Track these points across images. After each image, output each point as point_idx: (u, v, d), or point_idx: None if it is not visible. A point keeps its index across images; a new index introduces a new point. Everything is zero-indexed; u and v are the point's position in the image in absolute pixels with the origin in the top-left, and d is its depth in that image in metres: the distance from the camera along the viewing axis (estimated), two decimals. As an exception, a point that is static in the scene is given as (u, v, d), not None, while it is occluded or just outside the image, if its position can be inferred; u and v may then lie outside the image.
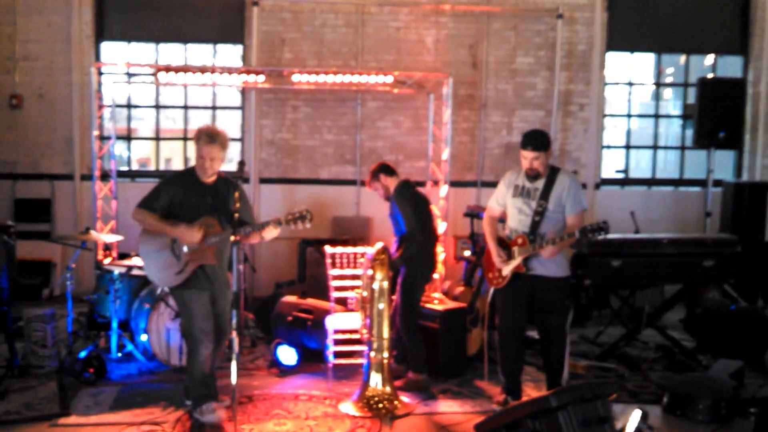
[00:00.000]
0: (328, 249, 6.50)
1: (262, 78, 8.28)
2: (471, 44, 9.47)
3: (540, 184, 5.41)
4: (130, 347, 6.55)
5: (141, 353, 6.53)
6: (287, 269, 9.16)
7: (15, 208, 9.32)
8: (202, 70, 8.12)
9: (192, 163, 5.47)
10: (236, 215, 4.92)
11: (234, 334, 4.65)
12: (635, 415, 4.86)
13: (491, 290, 5.73)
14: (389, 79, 8.40)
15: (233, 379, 4.65)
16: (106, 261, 7.68)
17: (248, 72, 8.31)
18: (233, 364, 4.64)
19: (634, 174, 10.58)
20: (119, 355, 6.57)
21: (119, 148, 10.09)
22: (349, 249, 6.55)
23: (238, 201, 5.00)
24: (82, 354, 6.16)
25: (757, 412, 4.79)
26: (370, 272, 5.75)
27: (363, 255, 6.05)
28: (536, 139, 5.39)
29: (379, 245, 5.85)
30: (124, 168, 10.01)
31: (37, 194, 9.35)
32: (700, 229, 9.41)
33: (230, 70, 8.28)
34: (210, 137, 5.09)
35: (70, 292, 6.39)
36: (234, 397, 4.70)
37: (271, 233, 5.07)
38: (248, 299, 8.37)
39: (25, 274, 8.95)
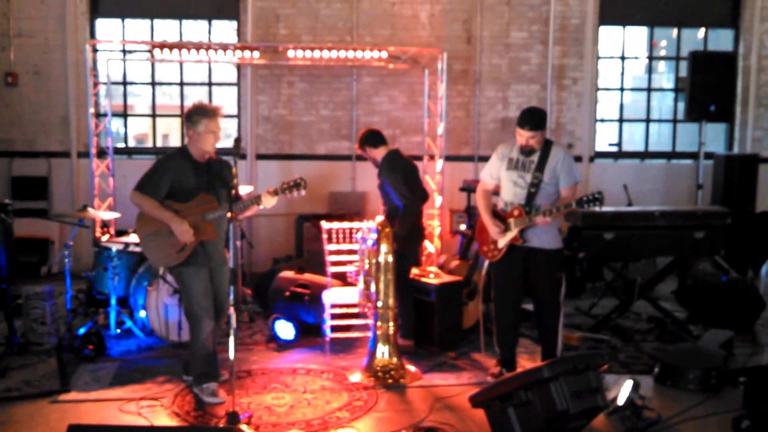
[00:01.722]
0: (325, 224, 6.56)
1: (257, 54, 8.29)
2: (465, 19, 9.47)
3: (535, 157, 5.45)
4: (128, 324, 6.61)
5: (140, 329, 6.60)
6: (285, 245, 9.24)
7: (12, 185, 9.36)
8: (197, 46, 8.12)
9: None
10: (234, 191, 4.98)
11: (231, 309, 4.71)
12: (627, 385, 4.97)
13: (486, 263, 5.81)
14: (384, 54, 8.41)
15: (231, 354, 4.71)
16: (104, 238, 7.72)
17: (243, 48, 8.31)
18: (231, 339, 4.70)
19: (627, 147, 10.64)
20: (118, 331, 6.63)
21: (116, 125, 10.12)
22: (346, 224, 6.61)
23: (235, 176, 5.07)
24: (81, 331, 6.22)
25: (746, 382, 4.88)
26: (369, 244, 5.85)
27: (359, 230, 6.12)
28: (533, 119, 5.40)
29: (379, 218, 5.92)
30: (121, 145, 10.02)
31: (33, 172, 9.38)
32: (692, 201, 9.50)
33: (225, 47, 8.28)
34: (216, 112, 5.19)
35: (68, 269, 6.43)
36: (232, 371, 4.77)
37: (269, 202, 5.13)
38: (246, 275, 8.44)
39: (22, 251, 8.96)
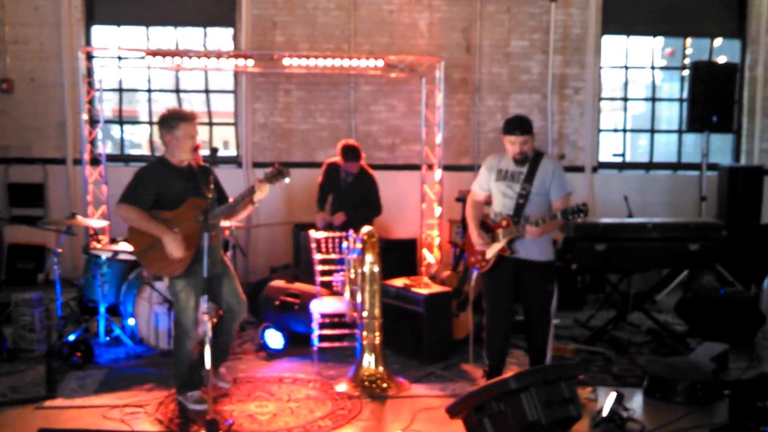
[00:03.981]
0: (313, 234, 6.53)
1: (251, 62, 8.27)
2: (464, 27, 9.40)
3: (524, 168, 5.40)
4: (117, 331, 6.60)
5: (129, 337, 6.57)
6: (283, 253, 9.17)
7: (8, 192, 9.31)
8: (190, 54, 8.11)
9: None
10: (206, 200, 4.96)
11: (206, 317, 4.64)
12: (611, 397, 4.92)
13: (474, 273, 5.76)
14: (380, 63, 8.37)
15: (207, 364, 4.65)
16: (99, 246, 7.70)
17: (237, 56, 8.29)
18: (206, 348, 4.62)
19: (635, 158, 10.53)
20: (107, 339, 6.62)
21: (117, 132, 10.15)
22: (335, 234, 6.57)
23: (212, 183, 4.99)
24: (71, 338, 6.21)
25: (730, 395, 4.79)
26: (355, 254, 5.80)
27: (346, 239, 6.08)
28: (521, 124, 5.36)
29: (366, 228, 5.88)
30: (117, 152, 10.04)
31: (30, 179, 9.31)
32: (696, 213, 9.36)
33: (219, 54, 8.25)
34: (193, 116, 5.16)
35: (58, 276, 6.43)
36: (208, 381, 4.69)
37: (261, 193, 5.03)
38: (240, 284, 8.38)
39: (19, 258, 9.02)
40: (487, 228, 5.51)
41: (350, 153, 7.41)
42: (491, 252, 5.44)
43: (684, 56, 10.15)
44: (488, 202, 5.69)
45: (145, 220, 5.04)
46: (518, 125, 5.35)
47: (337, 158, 7.56)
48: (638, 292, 7.16)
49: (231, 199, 5.28)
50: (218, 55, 8.24)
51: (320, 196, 7.87)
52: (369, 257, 5.74)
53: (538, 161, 5.40)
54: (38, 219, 9.18)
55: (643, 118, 10.75)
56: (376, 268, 5.75)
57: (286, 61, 8.25)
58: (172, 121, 5.10)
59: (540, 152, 5.48)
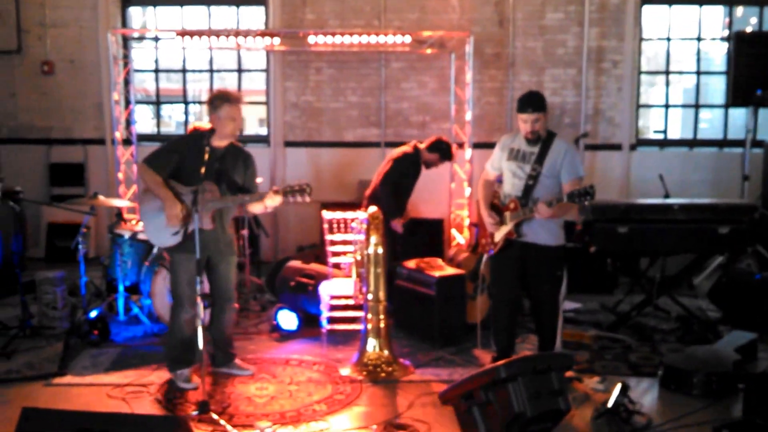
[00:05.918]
0: (326, 214, 6.45)
1: (278, 41, 8.21)
2: (497, 1, 9.12)
3: (536, 148, 5.23)
4: (135, 310, 6.67)
5: (146, 316, 6.64)
6: (312, 232, 9.16)
7: (50, 172, 9.59)
8: (217, 33, 8.10)
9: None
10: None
11: (199, 299, 4.64)
12: (617, 388, 4.72)
13: (484, 257, 5.63)
14: (408, 39, 8.20)
15: (200, 344, 4.67)
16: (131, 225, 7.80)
17: (263, 35, 8.23)
18: (199, 330, 4.66)
19: (686, 134, 10.05)
20: (126, 317, 6.70)
21: (150, 111, 10.25)
22: (349, 214, 6.47)
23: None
24: (92, 315, 6.30)
25: (745, 388, 4.52)
26: (363, 237, 5.72)
27: (355, 219, 5.99)
28: (533, 101, 5.21)
29: (372, 209, 5.78)
30: (153, 131, 10.17)
31: (71, 159, 9.56)
32: (739, 193, 8.93)
33: (246, 33, 8.20)
34: (237, 99, 5.16)
35: (82, 255, 6.50)
36: (203, 363, 4.72)
37: (273, 201, 5.02)
38: (260, 265, 8.42)
39: (60, 236, 9.23)
40: (497, 210, 5.37)
41: (450, 152, 7.21)
42: (499, 235, 5.34)
43: (731, 26, 9.62)
44: (501, 181, 5.55)
45: (156, 184, 5.10)
46: (529, 102, 5.21)
47: (406, 149, 7.22)
48: (665, 276, 6.88)
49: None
50: (246, 33, 8.19)
51: (394, 197, 7.09)
52: (374, 239, 5.63)
53: (550, 142, 5.24)
54: (79, 198, 9.40)
55: (688, 93, 10.28)
56: (381, 250, 5.64)
57: (311, 39, 8.15)
58: (216, 101, 5.13)
59: (552, 133, 5.32)
